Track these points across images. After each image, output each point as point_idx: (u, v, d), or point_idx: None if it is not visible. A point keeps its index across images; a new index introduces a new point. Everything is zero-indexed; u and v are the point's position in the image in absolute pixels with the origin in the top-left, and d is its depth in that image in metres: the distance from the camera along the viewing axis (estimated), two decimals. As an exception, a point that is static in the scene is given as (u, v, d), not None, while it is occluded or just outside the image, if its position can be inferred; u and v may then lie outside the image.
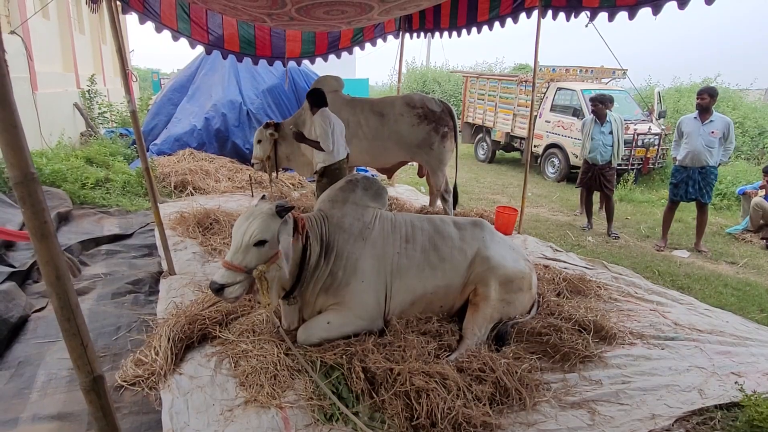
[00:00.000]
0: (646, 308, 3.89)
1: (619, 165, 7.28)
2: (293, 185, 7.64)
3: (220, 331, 3.14)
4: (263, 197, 2.94)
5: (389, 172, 6.26)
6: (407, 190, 8.15)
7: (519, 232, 5.95)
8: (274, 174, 5.61)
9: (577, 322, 3.29)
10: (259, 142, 5.48)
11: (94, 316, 3.48)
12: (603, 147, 6.17)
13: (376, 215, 3.24)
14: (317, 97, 4.61)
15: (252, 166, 5.65)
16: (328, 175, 4.62)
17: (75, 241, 4.80)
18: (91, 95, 11.18)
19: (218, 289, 2.50)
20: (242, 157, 8.59)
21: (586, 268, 4.79)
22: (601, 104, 6.25)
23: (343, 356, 2.76)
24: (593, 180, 6.31)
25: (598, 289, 4.09)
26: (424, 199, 7.31)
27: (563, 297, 3.82)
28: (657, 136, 9.55)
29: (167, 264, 4.30)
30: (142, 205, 6.41)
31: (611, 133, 6.15)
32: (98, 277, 4.18)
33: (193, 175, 7.51)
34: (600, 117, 6.24)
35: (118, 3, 4.37)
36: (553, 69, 10.99)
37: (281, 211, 2.66)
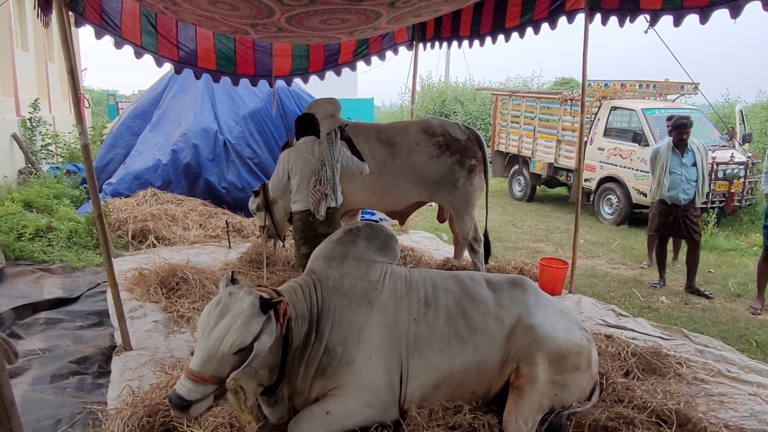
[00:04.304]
0: (743, 392, 3.81)
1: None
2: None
3: (188, 426, 3.08)
4: (233, 280, 2.83)
5: (402, 216, 6.31)
6: (425, 238, 8.27)
7: (570, 292, 5.99)
8: (278, 242, 5.98)
9: (654, 413, 3.20)
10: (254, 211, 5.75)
11: (27, 406, 3.44)
12: (686, 183, 6.24)
13: (386, 272, 3.27)
14: (302, 124, 4.72)
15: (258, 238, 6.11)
16: (300, 224, 4.63)
17: (7, 307, 4.82)
18: (34, 124, 11.52)
19: (183, 407, 2.46)
20: (217, 197, 8.86)
21: (661, 338, 4.79)
22: (686, 130, 6.24)
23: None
24: (676, 225, 6.35)
25: (678, 366, 4.06)
26: (447, 250, 7.37)
27: (633, 377, 3.80)
28: (742, 166, 9.63)
29: (122, 336, 4.31)
30: (91, 260, 6.54)
31: (695, 164, 6.23)
32: (34, 353, 4.15)
33: (155, 221, 7.67)
34: (680, 146, 6.30)
35: (71, 14, 4.55)
36: (606, 84, 11.23)
37: (266, 306, 2.62)
